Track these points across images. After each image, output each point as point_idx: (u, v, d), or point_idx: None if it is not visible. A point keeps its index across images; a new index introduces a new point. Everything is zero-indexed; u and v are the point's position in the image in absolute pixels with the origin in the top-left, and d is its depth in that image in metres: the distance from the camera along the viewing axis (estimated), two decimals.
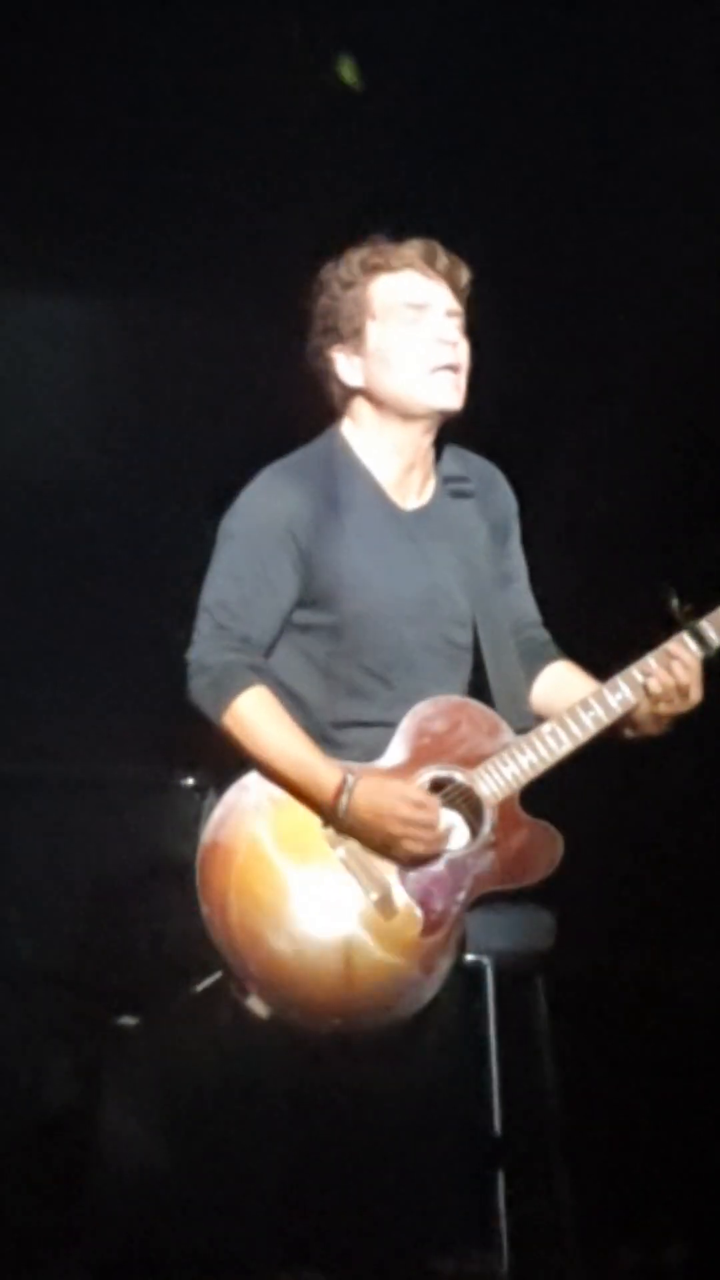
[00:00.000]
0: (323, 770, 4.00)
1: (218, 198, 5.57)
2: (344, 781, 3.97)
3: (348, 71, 5.49)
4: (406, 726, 4.07)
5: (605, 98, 5.52)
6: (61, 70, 5.50)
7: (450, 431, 4.23)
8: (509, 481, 4.33)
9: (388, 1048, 4.06)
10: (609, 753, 4.17)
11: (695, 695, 4.08)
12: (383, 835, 3.98)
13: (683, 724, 4.17)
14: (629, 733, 4.12)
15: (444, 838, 4.02)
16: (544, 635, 4.31)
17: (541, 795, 4.14)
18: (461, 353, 4.13)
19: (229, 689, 4.03)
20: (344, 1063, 4.06)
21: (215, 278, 5.60)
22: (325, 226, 4.31)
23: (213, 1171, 4.77)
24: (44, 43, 5.49)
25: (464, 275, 4.17)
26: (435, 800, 4.02)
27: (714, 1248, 4.92)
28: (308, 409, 4.24)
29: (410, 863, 3.99)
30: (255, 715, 4.02)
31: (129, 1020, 5.12)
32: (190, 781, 5.27)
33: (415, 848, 3.98)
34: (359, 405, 4.17)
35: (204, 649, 4.07)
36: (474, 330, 4.20)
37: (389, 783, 4.00)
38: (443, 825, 4.04)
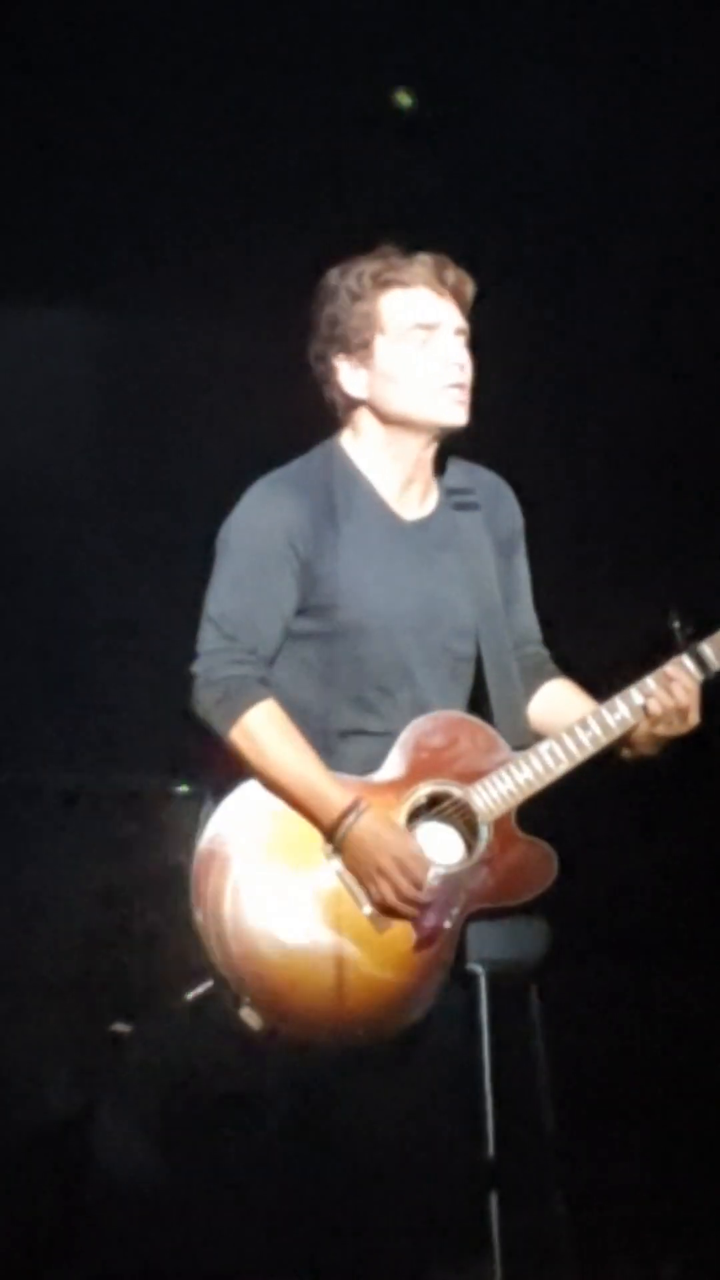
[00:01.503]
0: (333, 792, 4.00)
1: (219, 208, 5.58)
2: (356, 803, 3.97)
3: (404, 98, 5.51)
4: (405, 740, 4.07)
5: (600, 103, 5.52)
6: (63, 80, 5.51)
7: (454, 444, 4.22)
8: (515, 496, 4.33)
9: (381, 1059, 4.05)
10: (604, 765, 4.16)
11: (693, 718, 4.08)
12: (372, 864, 3.98)
13: (677, 739, 4.17)
14: (626, 753, 4.12)
15: (419, 904, 4.00)
16: (544, 653, 4.30)
17: (536, 806, 4.14)
18: (468, 371, 4.13)
19: (238, 703, 4.02)
20: (337, 1074, 4.05)
21: (214, 287, 5.60)
22: (328, 238, 4.30)
23: (207, 1182, 4.77)
24: (47, 54, 5.50)
25: (470, 290, 4.16)
26: (434, 871, 4.00)
27: (710, 1263, 4.91)
28: (309, 419, 4.24)
29: (380, 903, 3.98)
30: (265, 731, 4.02)
31: (123, 1027, 5.12)
32: (186, 789, 5.28)
33: (389, 893, 3.98)
34: (361, 416, 4.17)
35: (211, 662, 4.06)
36: (477, 343, 4.20)
37: (396, 829, 3.99)
38: (438, 842, 4.04)
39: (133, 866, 5.30)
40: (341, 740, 4.08)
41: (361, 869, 3.98)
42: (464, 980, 4.25)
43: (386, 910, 3.99)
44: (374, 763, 4.05)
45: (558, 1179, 4.68)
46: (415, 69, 5.56)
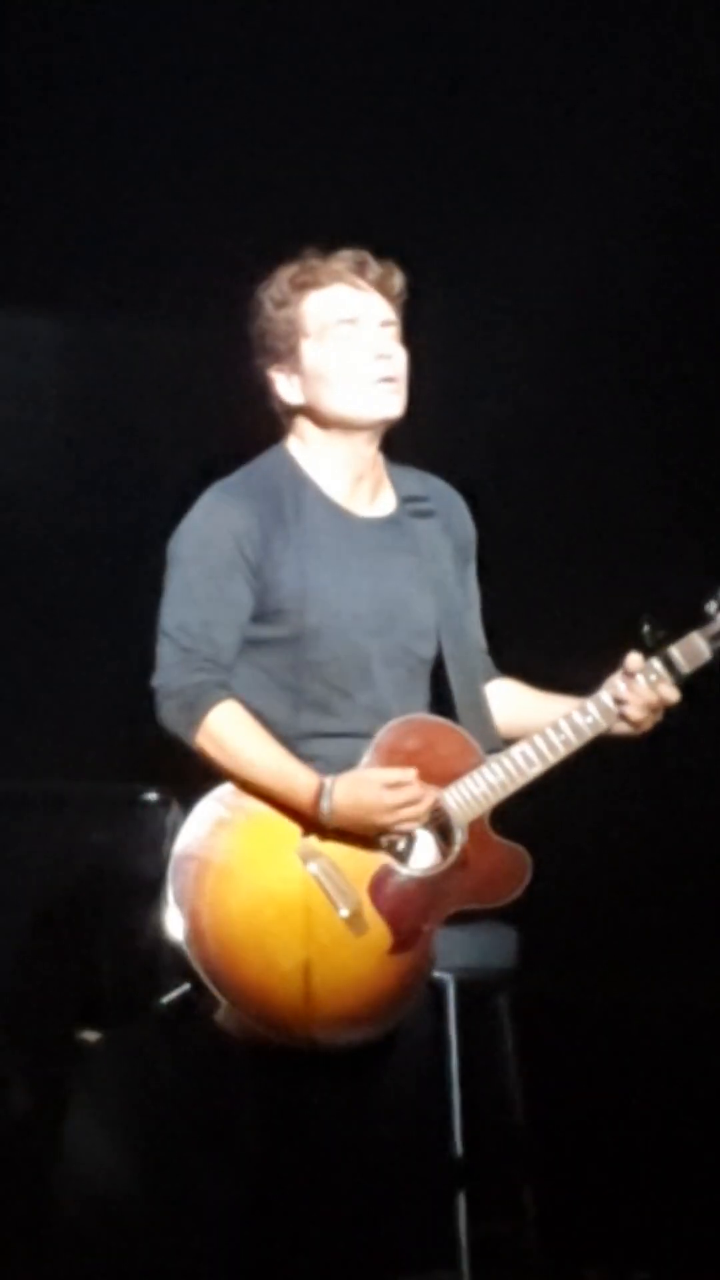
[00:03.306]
0: (301, 776, 3.99)
1: (176, 211, 5.58)
2: (322, 785, 3.97)
3: None
4: (379, 743, 4.06)
5: (529, 81, 5.55)
6: (18, 85, 5.50)
7: (404, 452, 4.23)
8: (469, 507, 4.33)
9: (351, 1064, 4.04)
10: (573, 771, 4.17)
11: (671, 695, 4.09)
12: (371, 825, 3.98)
13: (647, 744, 4.17)
14: (621, 728, 4.12)
15: (432, 803, 4.01)
16: (489, 661, 4.32)
17: (506, 812, 4.14)
18: (398, 363, 4.12)
19: (199, 708, 4.01)
20: (307, 1079, 4.04)
21: (171, 291, 5.60)
22: (278, 240, 4.30)
23: (174, 1189, 4.76)
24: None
25: (397, 282, 4.15)
26: (411, 772, 4.02)
27: (677, 1269, 4.92)
28: (267, 424, 4.24)
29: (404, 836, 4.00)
30: (228, 729, 4.02)
31: (91, 1035, 5.11)
32: (153, 796, 5.27)
33: (409, 827, 3.99)
34: (301, 422, 4.16)
35: (171, 674, 4.05)
36: (424, 345, 4.19)
37: (364, 773, 4.00)
38: (414, 845, 4.05)
39: (98, 873, 5.29)
40: (304, 743, 4.07)
41: (364, 832, 3.99)
42: (432, 988, 4.26)
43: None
44: (340, 763, 4.04)
45: (526, 1185, 4.69)
46: (357, 67, 5.58)
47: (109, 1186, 4.86)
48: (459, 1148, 4.53)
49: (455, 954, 4.27)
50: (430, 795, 4.02)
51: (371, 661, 4.09)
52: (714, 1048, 5.19)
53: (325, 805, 3.96)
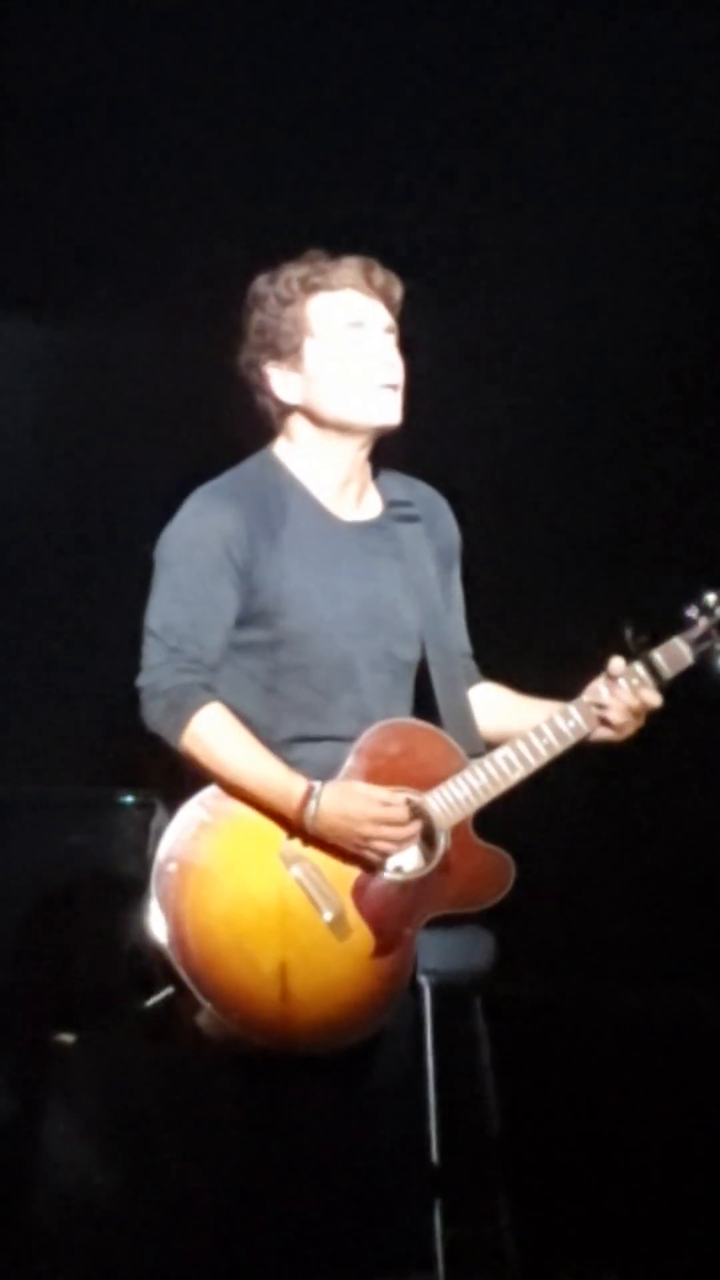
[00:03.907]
0: (289, 780, 4.00)
1: (155, 215, 5.59)
2: (311, 788, 3.98)
3: None
4: (362, 748, 4.07)
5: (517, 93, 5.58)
6: None
7: (390, 456, 4.24)
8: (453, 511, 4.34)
9: (331, 1067, 4.05)
10: (550, 776, 4.18)
11: (653, 700, 4.11)
12: (355, 839, 3.99)
13: (625, 750, 4.19)
14: (604, 733, 4.14)
15: (414, 833, 4.02)
16: (473, 665, 4.33)
17: (483, 816, 4.15)
18: (399, 371, 4.15)
19: (185, 710, 4.02)
20: (289, 1082, 4.05)
21: (152, 295, 5.61)
22: (262, 241, 4.31)
23: (152, 1191, 4.76)
24: None
25: (398, 290, 4.18)
26: (400, 797, 4.03)
27: (649, 1272, 4.93)
28: (250, 428, 4.24)
29: (382, 856, 4.00)
30: (214, 732, 4.02)
31: (67, 1037, 5.11)
32: (130, 799, 5.28)
33: (389, 847, 4.00)
34: (294, 421, 4.18)
35: (156, 675, 4.06)
36: (411, 348, 4.21)
37: (354, 785, 4.01)
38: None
39: (77, 875, 5.29)
40: (288, 747, 4.08)
41: (346, 843, 3.99)
42: (409, 991, 4.26)
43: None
44: (323, 766, 4.05)
45: (501, 1190, 4.69)
46: (341, 73, 5.59)
47: (87, 1190, 4.86)
48: (434, 1150, 4.52)
49: (430, 957, 4.26)
50: (415, 827, 4.03)
51: (355, 665, 4.10)
52: (689, 1051, 5.21)
53: (312, 808, 3.97)
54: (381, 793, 4.00)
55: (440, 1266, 4.48)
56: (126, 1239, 4.75)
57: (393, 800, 4.00)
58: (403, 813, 4.00)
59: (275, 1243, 4.09)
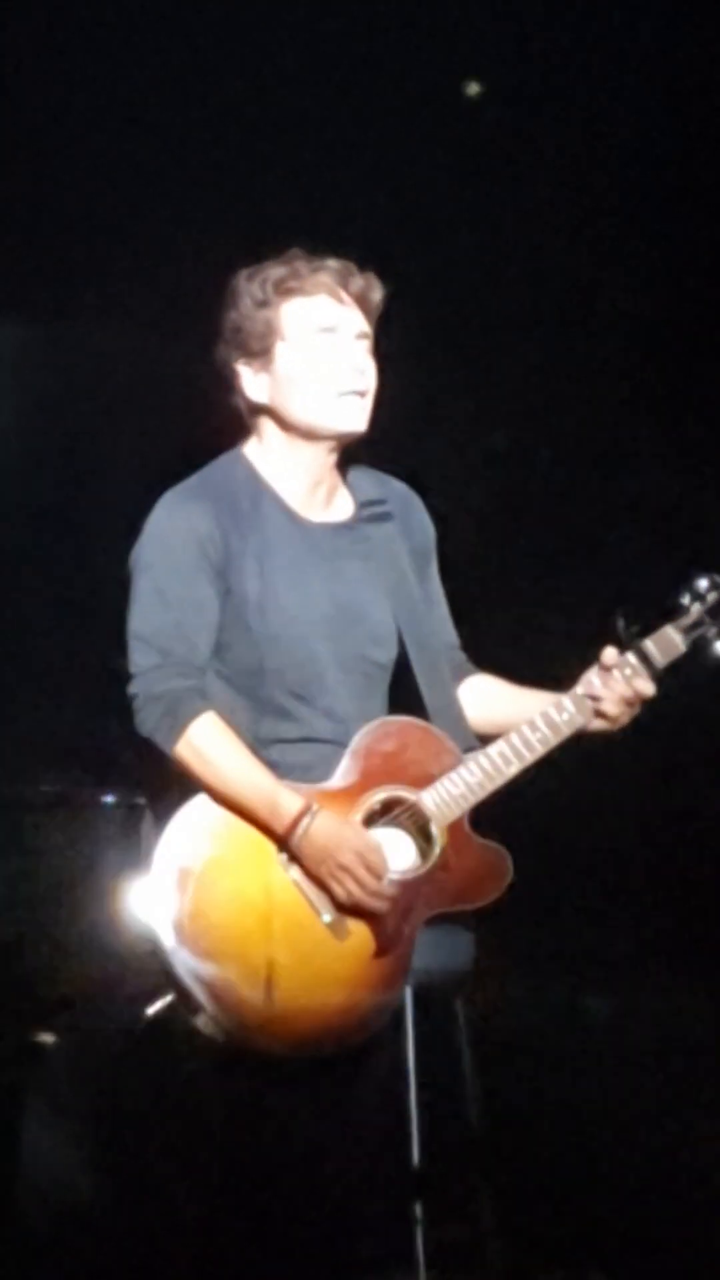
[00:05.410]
0: (284, 796, 3.97)
1: (134, 213, 5.59)
2: (308, 807, 3.96)
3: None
4: (356, 747, 4.04)
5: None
6: None
7: (363, 453, 4.23)
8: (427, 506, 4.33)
9: (324, 1067, 4.03)
10: (536, 774, 4.17)
11: (647, 689, 4.10)
12: (333, 863, 3.96)
13: (611, 748, 4.18)
14: (598, 724, 4.13)
15: (383, 900, 4.00)
16: (462, 657, 4.31)
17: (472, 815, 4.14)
18: (369, 378, 4.13)
19: (181, 717, 3.98)
20: (286, 1083, 4.03)
21: (133, 294, 5.61)
22: (241, 240, 4.30)
23: (137, 1191, 4.76)
24: None
25: (376, 296, 4.15)
26: (386, 866, 4.01)
27: (633, 1272, 4.93)
28: (226, 431, 4.23)
29: (345, 901, 3.98)
30: (211, 742, 3.98)
31: (46, 1037, 5.11)
32: (111, 799, 5.27)
33: (355, 889, 3.96)
34: (263, 422, 4.16)
35: (149, 680, 4.02)
36: (388, 350, 4.21)
37: (352, 825, 4.00)
38: (393, 848, 4.04)
39: (57, 876, 5.28)
40: (265, 749, 4.06)
41: (323, 869, 3.97)
42: None
43: (352, 908, 3.98)
44: (301, 768, 4.04)
45: (484, 1190, 4.70)
46: (319, 69, 5.60)
47: (72, 1190, 4.86)
48: (416, 1150, 4.52)
49: (413, 957, 4.26)
50: (388, 893, 4.01)
51: (327, 667, 4.07)
52: (672, 1051, 5.22)
53: (305, 824, 3.94)
54: (374, 846, 3.99)
55: (422, 1267, 4.48)
56: (109, 1240, 4.75)
57: (380, 864, 3.97)
58: (382, 874, 3.98)
59: (259, 1244, 4.07)
